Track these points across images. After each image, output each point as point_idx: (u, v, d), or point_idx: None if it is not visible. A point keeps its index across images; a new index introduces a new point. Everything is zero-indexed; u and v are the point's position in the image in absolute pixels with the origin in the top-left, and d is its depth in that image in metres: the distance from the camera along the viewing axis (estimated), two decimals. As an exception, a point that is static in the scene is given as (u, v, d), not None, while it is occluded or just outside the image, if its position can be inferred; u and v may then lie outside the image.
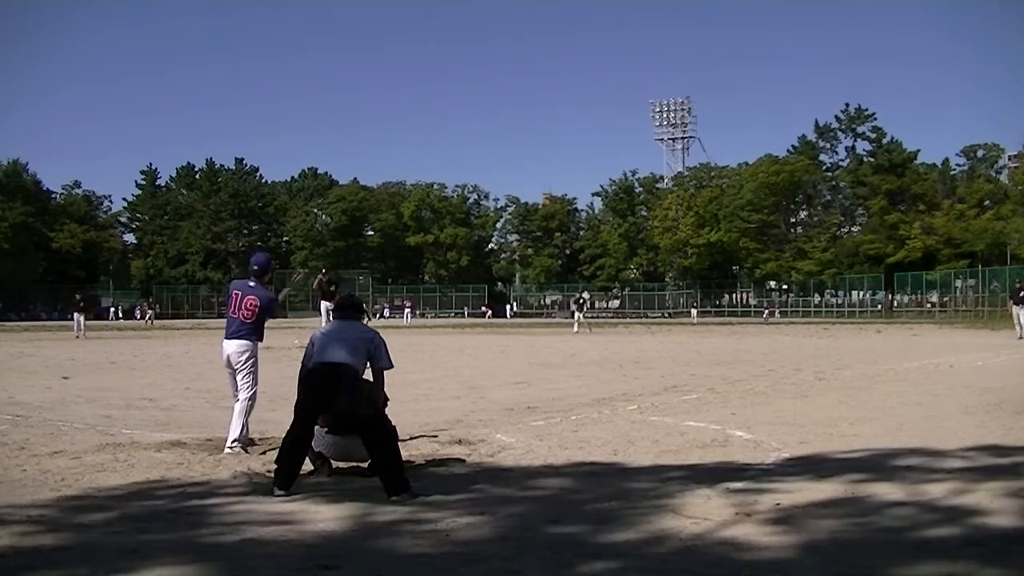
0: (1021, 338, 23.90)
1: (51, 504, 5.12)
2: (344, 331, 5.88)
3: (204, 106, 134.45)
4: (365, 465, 5.96)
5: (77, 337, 30.31)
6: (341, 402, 5.58)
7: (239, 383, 7.13)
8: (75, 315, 32.54)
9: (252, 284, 7.29)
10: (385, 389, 5.86)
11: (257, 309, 7.17)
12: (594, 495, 5.39)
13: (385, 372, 5.86)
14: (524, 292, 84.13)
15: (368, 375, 5.82)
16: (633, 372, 14.98)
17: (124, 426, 8.51)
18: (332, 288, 20.47)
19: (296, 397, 5.78)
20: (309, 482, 5.65)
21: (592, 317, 41.10)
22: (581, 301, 44.97)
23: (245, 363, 7.15)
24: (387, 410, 5.88)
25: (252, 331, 7.18)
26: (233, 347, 7.15)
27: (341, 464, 6.09)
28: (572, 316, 41.43)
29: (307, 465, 5.87)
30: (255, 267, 7.41)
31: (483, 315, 70.06)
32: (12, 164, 72.84)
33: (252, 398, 7.05)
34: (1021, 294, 25.19)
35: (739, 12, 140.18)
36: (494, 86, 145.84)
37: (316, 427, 5.80)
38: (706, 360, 17.83)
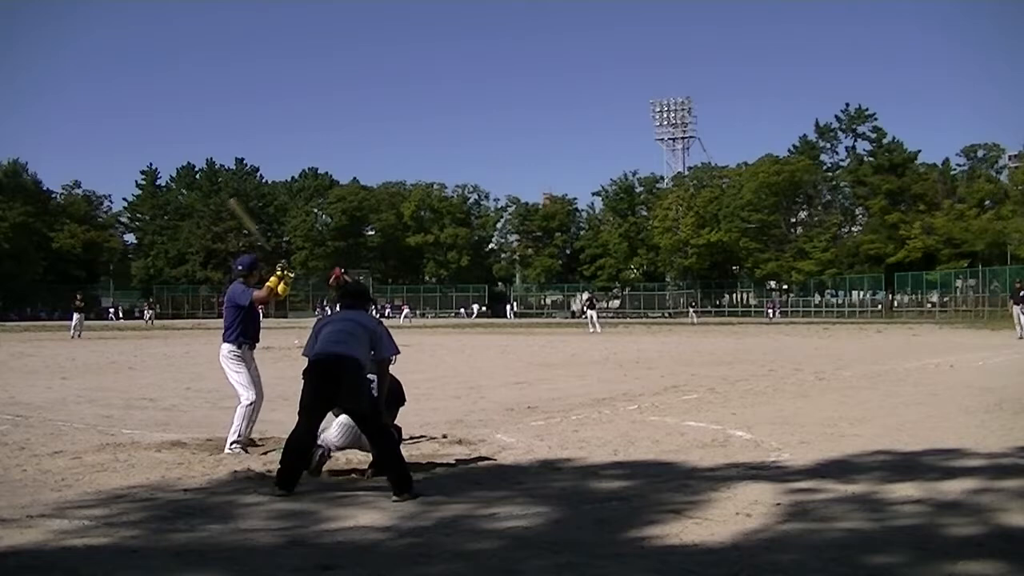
0: (1021, 338, 23.91)
1: (51, 504, 5.12)
2: (345, 320, 5.85)
3: (204, 106, 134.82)
4: (365, 466, 5.97)
5: (72, 337, 30.19)
6: (342, 395, 5.52)
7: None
8: (73, 315, 32.44)
9: (231, 285, 7.36)
10: (402, 385, 5.89)
11: (225, 306, 7.28)
12: (594, 495, 5.39)
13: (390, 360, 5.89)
14: (524, 292, 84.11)
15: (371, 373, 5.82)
16: (633, 372, 14.98)
17: (124, 426, 8.51)
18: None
19: (300, 395, 5.74)
20: (310, 482, 5.64)
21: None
22: (594, 300, 44.04)
23: (223, 366, 7.19)
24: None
25: (226, 332, 7.19)
26: None
27: (341, 465, 6.08)
28: (583, 316, 40.46)
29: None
30: (239, 267, 7.47)
31: (470, 315, 70.21)
32: (12, 164, 72.84)
33: (247, 401, 6.99)
34: (1021, 294, 25.21)
35: (739, 12, 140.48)
36: (494, 86, 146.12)
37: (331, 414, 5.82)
38: (706, 360, 17.83)
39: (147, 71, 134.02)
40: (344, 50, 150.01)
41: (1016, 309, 25.29)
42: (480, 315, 71.98)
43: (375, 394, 5.68)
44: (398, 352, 5.92)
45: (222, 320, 7.41)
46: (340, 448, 5.98)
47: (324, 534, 4.48)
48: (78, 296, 34.31)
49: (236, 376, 7.08)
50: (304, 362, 5.75)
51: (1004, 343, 22.75)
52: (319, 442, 5.82)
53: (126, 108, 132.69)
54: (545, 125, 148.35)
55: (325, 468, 5.90)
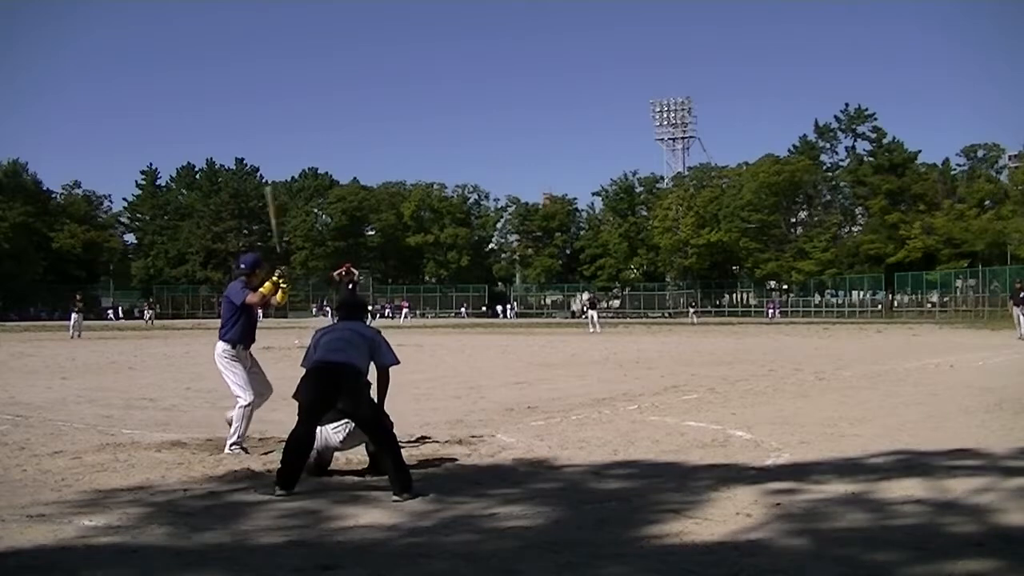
0: (1021, 338, 23.90)
1: (51, 504, 5.12)
2: (344, 330, 5.88)
3: (204, 106, 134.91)
4: (364, 467, 5.97)
5: (72, 337, 30.22)
6: (342, 402, 5.58)
7: None
8: (72, 315, 32.46)
9: (232, 282, 7.37)
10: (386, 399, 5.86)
11: (224, 304, 7.26)
12: (594, 495, 5.39)
13: (390, 369, 5.88)
14: (524, 292, 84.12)
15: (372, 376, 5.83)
16: (633, 372, 14.98)
17: (124, 426, 8.51)
18: (350, 285, 20.21)
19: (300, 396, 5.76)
20: (310, 482, 5.64)
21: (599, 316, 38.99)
22: (595, 300, 43.64)
23: (218, 365, 7.18)
24: (387, 409, 5.88)
25: (222, 329, 7.18)
26: None
27: (340, 465, 6.08)
28: (583, 315, 40.05)
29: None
30: (242, 266, 7.46)
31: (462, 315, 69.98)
32: (12, 164, 72.86)
33: (244, 402, 6.95)
34: (1021, 295, 25.19)
35: (739, 12, 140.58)
36: (494, 86, 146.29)
37: None
38: (706, 360, 17.83)
39: (147, 71, 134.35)
40: (344, 50, 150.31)
41: (1016, 310, 25.27)
42: (480, 315, 72.00)
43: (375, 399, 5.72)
44: (398, 362, 5.92)
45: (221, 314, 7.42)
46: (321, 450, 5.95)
47: (324, 534, 4.48)
48: (76, 296, 34.31)
49: (232, 377, 7.07)
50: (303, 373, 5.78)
51: (1004, 343, 22.75)
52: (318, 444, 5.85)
53: (126, 108, 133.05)
54: (545, 125, 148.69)
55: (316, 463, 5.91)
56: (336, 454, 6.09)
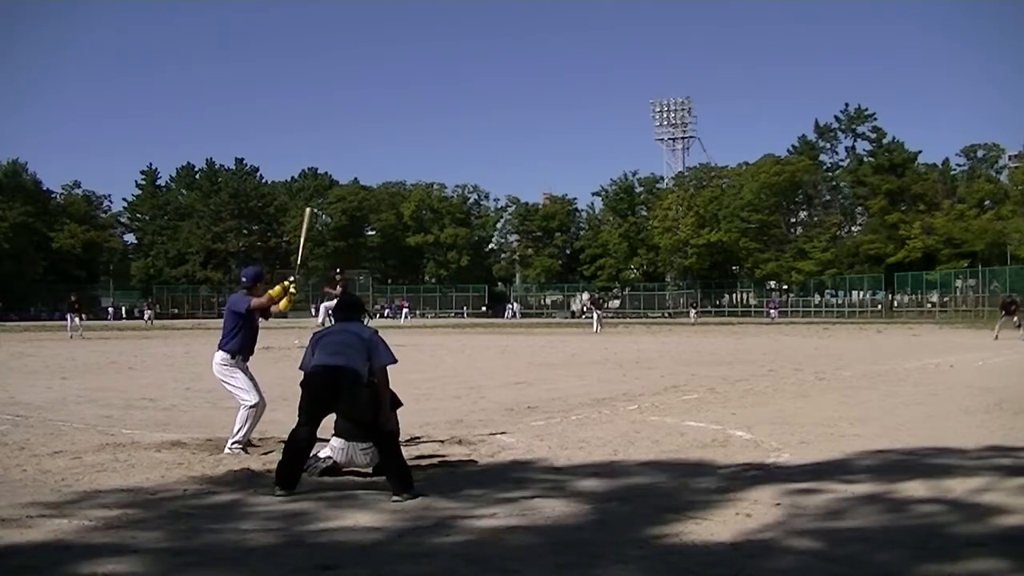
0: (997, 338, 24.26)
1: (51, 504, 5.12)
2: (342, 332, 5.87)
3: (204, 106, 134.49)
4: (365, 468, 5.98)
5: (71, 337, 30.24)
6: (341, 405, 5.59)
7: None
8: (68, 315, 32.45)
9: (233, 294, 7.38)
10: (395, 391, 5.84)
11: (226, 315, 7.26)
12: (594, 495, 5.39)
13: (388, 368, 5.88)
14: (524, 292, 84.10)
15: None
16: (633, 372, 14.98)
17: (124, 426, 8.51)
18: (339, 290, 20.34)
19: (300, 400, 5.77)
20: (310, 482, 5.65)
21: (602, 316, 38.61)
22: (599, 299, 43.32)
23: (217, 376, 7.18)
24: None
25: (222, 340, 7.18)
26: None
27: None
28: (583, 315, 39.84)
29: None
30: (243, 279, 7.47)
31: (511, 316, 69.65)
32: (12, 164, 72.81)
33: (249, 404, 6.97)
34: (1012, 307, 25.78)
35: (739, 12, 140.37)
36: (494, 86, 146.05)
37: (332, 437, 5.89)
38: (706, 360, 17.83)
39: (147, 71, 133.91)
40: (344, 50, 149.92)
41: (1012, 319, 25.71)
42: (480, 315, 71.98)
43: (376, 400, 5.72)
44: (395, 361, 5.90)
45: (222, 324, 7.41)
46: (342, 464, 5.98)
47: (324, 534, 4.48)
48: (72, 297, 34.32)
49: (233, 382, 7.07)
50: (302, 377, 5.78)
51: (1004, 343, 22.77)
52: (322, 453, 5.87)
53: (126, 108, 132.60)
54: (545, 125, 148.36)
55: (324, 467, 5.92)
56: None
